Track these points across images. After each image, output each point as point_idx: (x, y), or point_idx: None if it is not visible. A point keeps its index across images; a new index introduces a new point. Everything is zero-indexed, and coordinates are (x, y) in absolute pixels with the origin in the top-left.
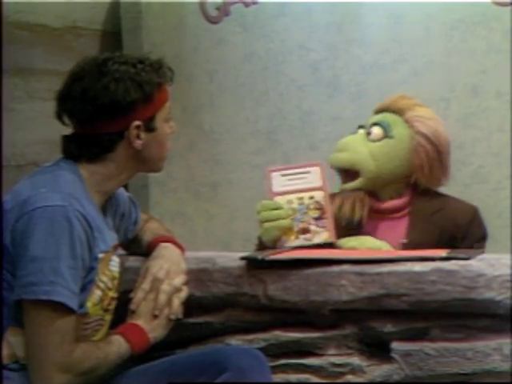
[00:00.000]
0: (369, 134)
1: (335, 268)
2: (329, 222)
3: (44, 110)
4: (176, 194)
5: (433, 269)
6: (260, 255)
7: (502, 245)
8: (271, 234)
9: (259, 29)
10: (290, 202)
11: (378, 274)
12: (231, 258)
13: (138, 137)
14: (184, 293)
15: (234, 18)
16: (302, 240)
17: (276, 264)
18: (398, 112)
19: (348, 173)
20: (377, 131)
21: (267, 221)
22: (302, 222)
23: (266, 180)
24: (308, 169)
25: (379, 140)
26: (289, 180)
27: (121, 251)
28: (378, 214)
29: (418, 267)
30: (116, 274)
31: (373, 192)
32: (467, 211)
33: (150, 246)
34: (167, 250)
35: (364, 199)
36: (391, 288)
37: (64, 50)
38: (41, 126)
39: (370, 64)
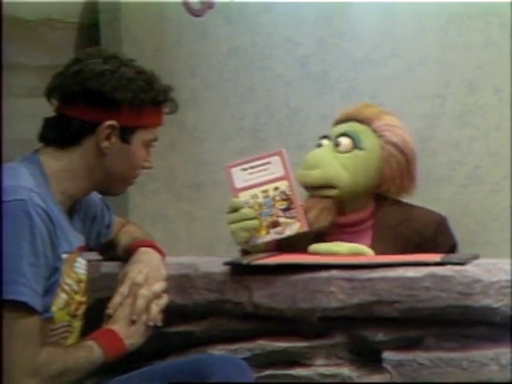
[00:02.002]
0: (337, 145)
1: (324, 274)
2: (298, 211)
3: (16, 106)
4: (157, 195)
5: (426, 274)
6: (245, 260)
7: (500, 249)
8: (239, 236)
9: (244, 22)
10: (254, 196)
11: (369, 279)
12: (214, 263)
13: (107, 138)
14: (163, 300)
15: (217, 10)
16: (273, 234)
17: (262, 269)
18: (365, 121)
19: (320, 188)
20: (345, 142)
21: (233, 222)
22: (271, 215)
23: (226, 177)
24: (268, 159)
25: (348, 151)
26: (250, 174)
27: (96, 256)
28: (341, 228)
29: (410, 273)
30: (82, 277)
31: (339, 204)
32: (432, 220)
33: (128, 251)
34: (147, 255)
35: (331, 208)
36: (383, 295)
37: (38, 44)
38: (13, 124)
39: (361, 59)
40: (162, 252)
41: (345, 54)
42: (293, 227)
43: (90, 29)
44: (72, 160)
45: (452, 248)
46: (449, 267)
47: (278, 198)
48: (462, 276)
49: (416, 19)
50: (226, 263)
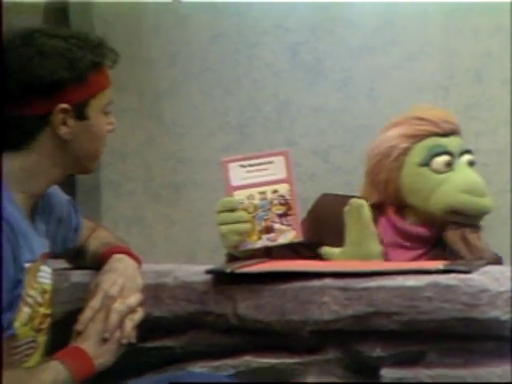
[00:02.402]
0: (471, 164)
1: (316, 282)
2: (295, 218)
3: None
4: (132, 196)
5: (428, 283)
6: (228, 268)
7: (506, 255)
8: (230, 239)
9: (229, 6)
10: (251, 197)
11: (366, 289)
12: (195, 271)
13: (64, 123)
14: (139, 315)
15: None
16: (265, 240)
17: (247, 278)
18: (459, 134)
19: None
20: (471, 159)
21: (225, 223)
22: (265, 219)
23: (223, 171)
24: (271, 158)
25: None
26: (248, 172)
27: (64, 264)
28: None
29: (411, 281)
30: (47, 287)
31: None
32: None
33: (100, 259)
34: (121, 263)
35: None
36: (381, 305)
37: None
38: None
39: (358, 47)
40: (138, 259)
41: (340, 42)
42: (287, 235)
43: (58, 13)
44: (29, 158)
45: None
46: (453, 276)
47: (275, 202)
48: (467, 285)
49: (418, 4)
50: (208, 271)
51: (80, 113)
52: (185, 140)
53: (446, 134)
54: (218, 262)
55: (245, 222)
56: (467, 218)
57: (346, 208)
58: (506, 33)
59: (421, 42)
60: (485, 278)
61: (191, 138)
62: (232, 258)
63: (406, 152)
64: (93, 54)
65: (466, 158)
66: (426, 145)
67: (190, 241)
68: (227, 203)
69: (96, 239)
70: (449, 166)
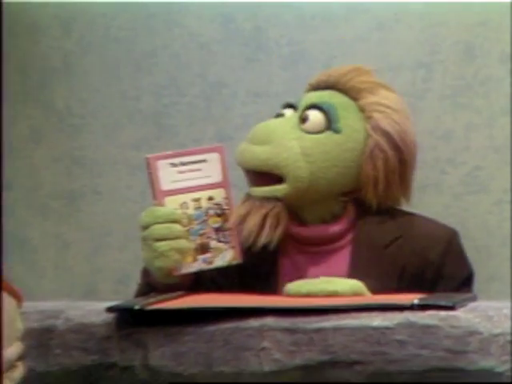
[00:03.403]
0: (303, 120)
1: (253, 322)
2: (233, 233)
3: None
4: (12, 210)
5: (400, 323)
6: (138, 304)
7: (508, 285)
8: (171, 259)
9: None
10: (184, 205)
11: (319, 330)
12: (94, 309)
13: None
14: (19, 371)
15: None
16: (201, 263)
17: (162, 317)
18: (351, 93)
19: (265, 176)
20: (316, 118)
21: (166, 238)
22: (201, 235)
23: (148, 172)
24: (204, 156)
25: (318, 132)
26: (180, 172)
27: None
28: (304, 246)
29: (378, 321)
30: None
31: (295, 211)
32: (441, 237)
33: None
34: None
35: (280, 216)
36: (339, 352)
37: None
38: None
39: (311, 15)
40: (18, 296)
41: (286, 8)
42: (225, 255)
43: None
44: None
45: (467, 279)
46: (432, 313)
47: (211, 213)
48: (450, 326)
49: None
50: (111, 309)
51: None
52: (83, 134)
53: (315, 88)
54: (125, 296)
55: (185, 237)
56: (252, 177)
57: None
58: None
59: (394, 8)
60: (474, 316)
61: (92, 130)
62: (147, 290)
63: None
64: None
65: (305, 113)
66: None
67: (89, 269)
68: (168, 214)
69: None
70: (277, 117)
